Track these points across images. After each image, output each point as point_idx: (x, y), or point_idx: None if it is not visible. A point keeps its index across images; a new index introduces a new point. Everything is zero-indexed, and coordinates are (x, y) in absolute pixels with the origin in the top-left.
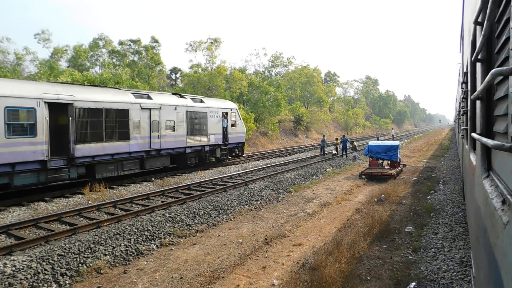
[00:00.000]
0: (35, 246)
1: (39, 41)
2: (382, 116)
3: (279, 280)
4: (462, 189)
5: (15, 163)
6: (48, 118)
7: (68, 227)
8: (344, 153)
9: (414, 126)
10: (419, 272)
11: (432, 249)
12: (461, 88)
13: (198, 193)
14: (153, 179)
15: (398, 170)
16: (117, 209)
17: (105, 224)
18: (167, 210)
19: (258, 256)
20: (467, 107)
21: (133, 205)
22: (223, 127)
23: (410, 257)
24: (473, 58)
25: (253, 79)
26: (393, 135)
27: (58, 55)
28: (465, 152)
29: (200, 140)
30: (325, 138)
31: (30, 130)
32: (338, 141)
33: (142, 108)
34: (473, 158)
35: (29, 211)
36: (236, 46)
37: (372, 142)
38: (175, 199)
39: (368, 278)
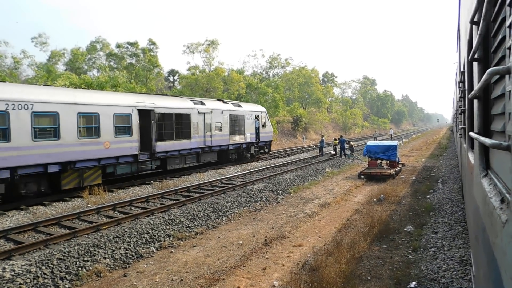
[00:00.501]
0: (34, 250)
1: (36, 45)
2: (380, 116)
3: (279, 281)
4: (461, 188)
5: (119, 156)
6: (138, 121)
7: (68, 231)
8: (342, 153)
9: (412, 126)
10: (419, 272)
11: (432, 248)
12: (458, 87)
13: (198, 195)
14: (152, 181)
15: (397, 169)
16: (116, 212)
17: (105, 227)
18: (166, 213)
19: (258, 258)
20: (464, 106)
21: (133, 208)
22: (256, 128)
23: (410, 256)
24: (469, 57)
25: (251, 81)
26: (391, 135)
27: (55, 59)
28: (463, 151)
29: (239, 139)
30: (323, 138)
31: (128, 131)
32: (337, 141)
33: (199, 113)
34: (471, 157)
35: (28, 215)
36: (233, 47)
37: (371, 142)
38: (175, 202)
39: (369, 278)
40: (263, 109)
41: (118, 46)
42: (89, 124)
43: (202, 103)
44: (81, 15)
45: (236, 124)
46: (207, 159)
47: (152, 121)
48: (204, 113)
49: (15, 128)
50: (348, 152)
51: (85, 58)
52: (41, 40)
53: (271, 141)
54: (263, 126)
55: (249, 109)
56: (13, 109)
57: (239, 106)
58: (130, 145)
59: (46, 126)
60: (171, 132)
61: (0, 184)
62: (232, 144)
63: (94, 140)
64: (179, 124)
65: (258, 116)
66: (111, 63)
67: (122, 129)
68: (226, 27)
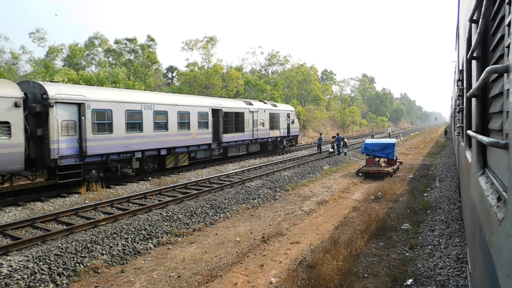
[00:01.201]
0: (32, 246)
1: (34, 40)
2: (378, 114)
3: (276, 278)
4: (458, 186)
5: (200, 144)
6: (212, 118)
7: (65, 227)
8: (337, 151)
9: (410, 124)
10: (416, 269)
11: (429, 246)
12: (457, 85)
13: (195, 192)
14: (150, 178)
15: (394, 167)
16: (114, 208)
17: (102, 223)
18: (164, 209)
19: (255, 255)
20: (462, 104)
21: (130, 204)
22: (287, 124)
23: (407, 254)
24: (468, 55)
25: (249, 78)
26: (389, 133)
27: (53, 54)
28: (461, 149)
29: (275, 133)
30: (322, 136)
31: (205, 125)
32: (334, 139)
33: (249, 111)
34: (469, 155)
35: (25, 211)
36: (232, 44)
37: (369, 140)
38: (172, 198)
39: (365, 275)
40: (292, 109)
41: (117, 42)
42: (183, 120)
43: (251, 104)
44: (80, 12)
45: (273, 121)
46: (253, 149)
47: (220, 118)
48: (253, 112)
49: (145, 123)
50: (345, 150)
51: (83, 54)
52: (39, 35)
53: (297, 135)
54: (292, 122)
55: (283, 108)
56: (144, 109)
57: (275, 106)
58: (207, 136)
59: (160, 121)
60: (232, 126)
61: (135, 162)
62: (271, 137)
63: (186, 132)
64: (237, 121)
65: (289, 114)
66: (110, 59)
67: (202, 124)
68: (225, 24)
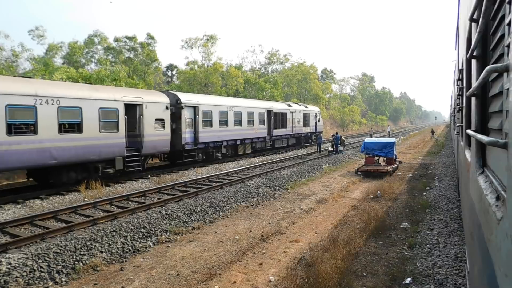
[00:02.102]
0: (31, 244)
1: (34, 38)
2: (378, 113)
3: (275, 276)
4: (457, 186)
5: (259, 137)
6: (266, 116)
7: (64, 225)
8: (336, 150)
9: (410, 123)
10: (415, 268)
11: (428, 245)
12: (457, 85)
13: (195, 190)
14: (149, 176)
15: (394, 167)
16: (113, 206)
17: (101, 221)
18: (163, 207)
19: (254, 253)
20: (462, 104)
21: (129, 202)
22: (315, 122)
23: (406, 253)
24: (468, 55)
25: (249, 76)
26: (389, 132)
27: (53, 52)
28: (460, 148)
29: (307, 129)
30: (321, 135)
31: (263, 123)
32: (333, 138)
33: (290, 112)
34: (468, 154)
35: (24, 208)
36: (232, 43)
37: (368, 139)
38: (172, 196)
39: (364, 274)
40: (319, 109)
41: (116, 40)
42: (250, 118)
43: (290, 106)
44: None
45: (305, 119)
46: (291, 142)
47: (272, 117)
48: (292, 112)
49: (229, 120)
50: (340, 148)
51: (82, 52)
52: (38, 33)
53: (322, 131)
54: (318, 121)
55: (312, 109)
56: (228, 110)
57: (306, 107)
58: (263, 131)
59: (237, 119)
60: (279, 124)
61: (223, 148)
62: (304, 133)
63: (251, 128)
64: (282, 119)
65: (316, 114)
66: (109, 57)
67: (261, 121)
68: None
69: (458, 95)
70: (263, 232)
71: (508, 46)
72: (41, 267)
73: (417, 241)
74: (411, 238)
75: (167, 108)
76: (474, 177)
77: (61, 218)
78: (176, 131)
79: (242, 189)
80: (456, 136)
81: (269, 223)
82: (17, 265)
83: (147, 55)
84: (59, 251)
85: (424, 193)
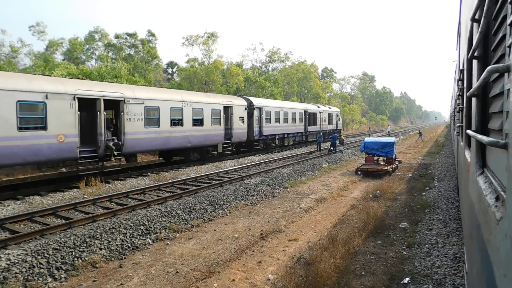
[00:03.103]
0: (30, 240)
1: (34, 34)
2: (378, 112)
3: (274, 275)
4: (457, 186)
5: (298, 132)
6: (304, 116)
7: (64, 221)
8: (334, 149)
9: (410, 123)
10: (413, 268)
11: (426, 245)
12: (457, 85)
13: (194, 188)
14: (149, 173)
15: (393, 166)
16: (112, 203)
17: (101, 218)
18: (163, 205)
19: (253, 251)
20: (462, 104)
21: (129, 200)
22: (336, 121)
23: (405, 252)
24: (469, 55)
25: (249, 74)
26: (389, 132)
27: (53, 48)
28: (460, 149)
29: (330, 127)
30: (321, 134)
31: (301, 121)
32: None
33: (319, 112)
34: (468, 155)
35: (24, 204)
36: (233, 40)
37: (368, 139)
38: (171, 194)
39: (363, 273)
40: (339, 110)
41: (117, 36)
42: (294, 117)
43: (319, 107)
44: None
45: (330, 118)
46: (312, 139)
47: (307, 116)
48: (320, 112)
49: (281, 118)
50: (341, 147)
51: (83, 48)
52: (38, 29)
53: (341, 129)
54: (339, 120)
55: (334, 110)
56: (281, 111)
57: (330, 108)
58: (301, 127)
59: (285, 117)
60: (311, 122)
61: (276, 140)
62: (328, 129)
63: (293, 124)
64: (314, 118)
65: (337, 114)
66: (110, 53)
67: (300, 119)
68: (226, 20)
69: (459, 95)
70: (262, 230)
71: (509, 46)
72: (40, 263)
73: (416, 241)
74: (410, 238)
75: (245, 109)
76: (474, 177)
77: (61, 214)
78: (249, 126)
79: (241, 187)
80: (456, 136)
81: (269, 222)
82: (16, 261)
83: (147, 52)
84: (58, 247)
85: (424, 193)
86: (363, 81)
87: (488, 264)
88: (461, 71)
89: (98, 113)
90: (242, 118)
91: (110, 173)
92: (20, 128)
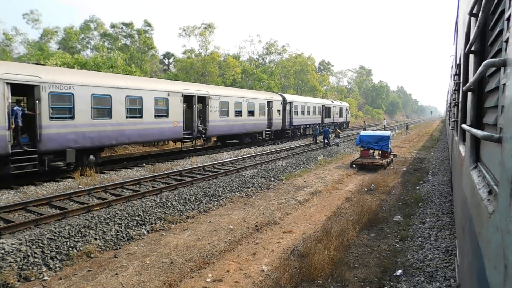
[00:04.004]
0: (25, 230)
1: (28, 22)
2: (374, 106)
3: (268, 266)
4: (450, 180)
5: (315, 123)
6: (321, 109)
7: (58, 211)
8: (328, 142)
9: (406, 117)
10: (406, 260)
11: (419, 238)
12: (453, 80)
13: (190, 179)
14: (144, 164)
15: (388, 160)
16: (107, 194)
17: (96, 208)
18: (158, 196)
19: (248, 243)
20: (458, 99)
21: (124, 190)
22: (346, 114)
23: (398, 245)
24: (466, 49)
25: (246, 66)
26: (384, 126)
27: (48, 37)
28: (454, 143)
29: (341, 119)
30: (317, 127)
31: (319, 114)
32: (330, 130)
33: (333, 106)
34: (462, 149)
35: (18, 194)
36: (230, 32)
37: (364, 132)
38: (167, 185)
39: (356, 265)
40: (348, 104)
41: (113, 26)
42: (314, 111)
43: (332, 102)
44: None
45: (341, 112)
46: (332, 127)
47: (323, 110)
48: (334, 106)
49: (305, 112)
50: (337, 140)
51: (78, 38)
52: (33, 17)
53: (349, 121)
54: (348, 113)
55: (344, 104)
56: (306, 105)
57: (341, 103)
58: (319, 119)
59: (308, 110)
60: (327, 114)
61: (301, 130)
62: (339, 122)
63: (313, 117)
64: (328, 111)
65: (347, 108)
66: (105, 43)
67: (318, 112)
68: (224, 11)
69: (455, 90)
70: (257, 222)
71: (506, 41)
72: (35, 253)
73: (409, 234)
74: (403, 231)
75: (281, 103)
76: (468, 171)
77: (56, 204)
78: (283, 117)
79: (237, 179)
80: (451, 131)
81: (263, 214)
82: (10, 250)
83: (144, 42)
84: (53, 237)
85: (418, 187)
86: (360, 75)
87: (479, 256)
88: (458, 66)
89: (194, 106)
90: (279, 110)
91: (189, 151)
92: (155, 116)
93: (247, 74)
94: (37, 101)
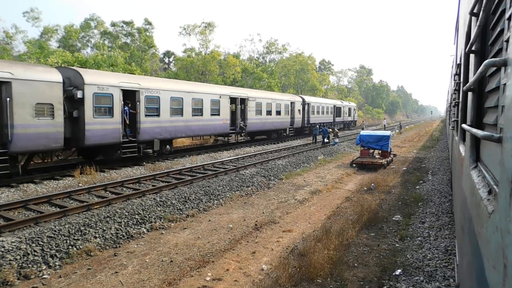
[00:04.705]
0: (25, 228)
1: (28, 20)
2: (374, 106)
3: (268, 265)
4: (450, 180)
5: (328, 122)
6: (333, 110)
7: (58, 209)
8: (329, 140)
9: (406, 117)
10: (405, 260)
11: (419, 238)
12: (454, 80)
13: (190, 178)
14: (144, 163)
15: (388, 160)
16: (107, 192)
17: (96, 207)
18: (158, 194)
19: (248, 242)
20: (458, 98)
21: (124, 189)
22: (354, 114)
23: (397, 245)
24: (467, 49)
25: (247, 65)
26: (384, 125)
27: (48, 35)
28: (454, 143)
29: (350, 118)
30: (317, 126)
31: (331, 113)
32: (330, 129)
33: (342, 106)
34: (462, 149)
35: (18, 192)
36: (231, 31)
37: (364, 132)
38: (166, 184)
39: (356, 264)
40: (355, 105)
41: (113, 24)
42: (327, 110)
43: (342, 102)
44: None
45: (349, 111)
46: (341, 126)
47: (335, 110)
48: (343, 106)
49: (321, 112)
50: (336, 140)
51: (78, 36)
52: (33, 15)
53: (357, 120)
54: (355, 113)
55: (352, 105)
56: (320, 106)
57: (349, 103)
58: (331, 118)
59: (323, 110)
60: (338, 114)
61: (318, 126)
62: (348, 120)
63: (326, 115)
64: (339, 111)
65: (354, 108)
66: (106, 42)
67: (330, 112)
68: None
69: (455, 89)
70: (257, 221)
71: (507, 41)
72: (34, 251)
73: (408, 233)
74: (402, 230)
75: (301, 104)
76: (468, 171)
77: (55, 202)
78: (302, 116)
79: (237, 178)
80: (451, 130)
81: (263, 213)
82: (10, 248)
83: (144, 41)
84: (53, 235)
85: (417, 187)
86: (360, 74)
87: (478, 256)
88: (458, 66)
89: (237, 106)
90: (299, 110)
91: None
92: (211, 114)
93: (247, 73)
94: (138, 103)
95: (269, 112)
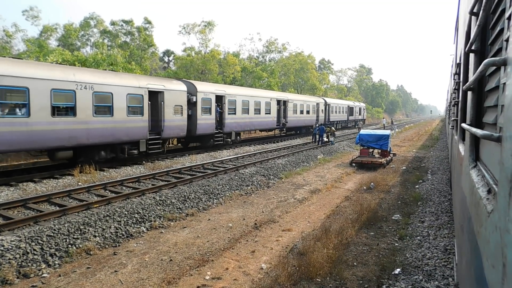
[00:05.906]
0: (24, 227)
1: (28, 18)
2: (374, 105)
3: (267, 264)
4: (450, 180)
5: (343, 120)
6: (347, 109)
7: (58, 208)
8: (319, 140)
9: (405, 116)
10: (404, 259)
11: (418, 237)
12: (453, 79)
13: (189, 177)
14: (144, 162)
15: (388, 159)
16: (107, 191)
17: (95, 206)
18: (157, 193)
19: (247, 241)
20: (458, 98)
21: (124, 188)
22: (363, 113)
23: (396, 244)
24: (467, 48)
25: (246, 64)
26: (384, 124)
27: (47, 34)
28: (454, 142)
29: (359, 117)
30: (317, 125)
31: (346, 112)
32: (327, 128)
33: (354, 106)
34: (462, 148)
35: (17, 191)
36: (230, 30)
37: (363, 131)
38: (166, 183)
39: (355, 264)
40: (364, 105)
41: (113, 23)
42: (341, 110)
43: (354, 102)
44: None
45: (360, 111)
46: (351, 124)
47: (348, 110)
48: (355, 106)
49: (336, 110)
50: (331, 139)
51: (78, 35)
52: (32, 13)
53: (365, 119)
54: (365, 112)
55: (362, 104)
56: (338, 105)
57: (360, 103)
58: (346, 116)
59: (338, 110)
60: (351, 113)
61: (335, 124)
62: (358, 119)
63: (342, 114)
64: (352, 110)
65: (364, 108)
66: (105, 40)
67: (345, 111)
68: (224, 9)
69: (455, 89)
70: (256, 220)
71: (507, 40)
72: (34, 249)
73: (408, 232)
74: (402, 229)
75: (323, 104)
76: (467, 170)
77: (55, 201)
78: (325, 115)
79: (236, 177)
80: (450, 130)
81: (263, 212)
82: (10, 247)
83: (143, 39)
84: (52, 234)
85: (417, 186)
86: (360, 73)
87: (477, 255)
88: (458, 65)
89: (281, 106)
90: (322, 110)
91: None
92: (265, 113)
93: (247, 72)
94: (224, 104)
95: (301, 112)
